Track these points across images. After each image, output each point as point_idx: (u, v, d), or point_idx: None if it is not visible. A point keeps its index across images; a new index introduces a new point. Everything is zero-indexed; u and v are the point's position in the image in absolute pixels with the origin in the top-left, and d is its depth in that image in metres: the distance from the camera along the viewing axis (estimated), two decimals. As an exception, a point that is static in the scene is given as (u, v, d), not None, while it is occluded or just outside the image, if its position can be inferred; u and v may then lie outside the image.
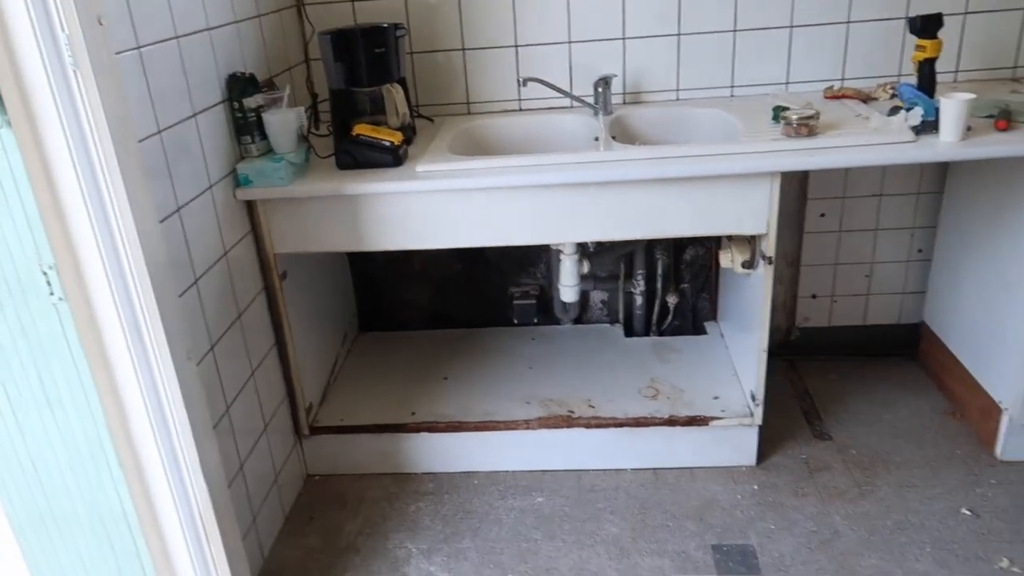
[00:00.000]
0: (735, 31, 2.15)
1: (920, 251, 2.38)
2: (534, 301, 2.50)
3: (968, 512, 1.86)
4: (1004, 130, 1.70)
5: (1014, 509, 1.85)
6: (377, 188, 1.77)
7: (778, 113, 1.86)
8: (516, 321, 2.54)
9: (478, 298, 2.55)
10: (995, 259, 1.99)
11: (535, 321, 2.54)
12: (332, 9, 2.19)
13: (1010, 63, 2.13)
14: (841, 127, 1.81)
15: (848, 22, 2.12)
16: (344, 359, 2.42)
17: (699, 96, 2.23)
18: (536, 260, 2.49)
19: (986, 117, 1.78)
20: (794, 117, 1.76)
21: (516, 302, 2.51)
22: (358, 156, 1.83)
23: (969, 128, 1.70)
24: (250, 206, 1.84)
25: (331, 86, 1.90)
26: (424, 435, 2.09)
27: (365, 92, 1.92)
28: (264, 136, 1.82)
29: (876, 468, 2.02)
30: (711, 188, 1.75)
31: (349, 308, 2.52)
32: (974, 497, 1.90)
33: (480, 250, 2.46)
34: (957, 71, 2.15)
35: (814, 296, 2.46)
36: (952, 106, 1.64)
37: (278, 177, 1.76)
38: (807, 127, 1.75)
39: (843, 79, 2.18)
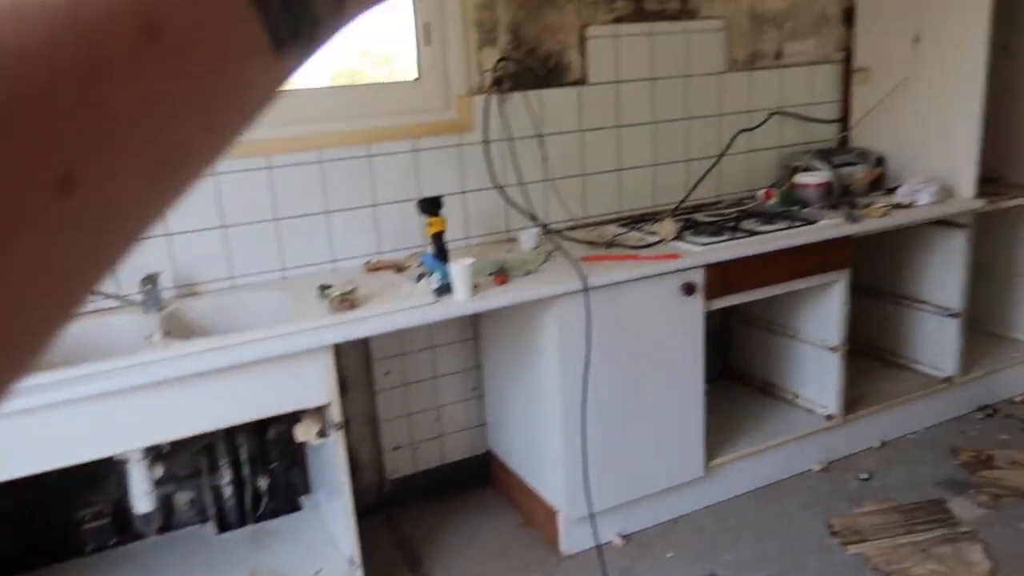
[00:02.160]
0: (276, 220, 2.33)
1: (474, 389, 2.74)
2: (109, 519, 2.25)
3: (551, 609, 2.11)
4: (502, 284, 2.11)
5: (584, 594, 2.16)
6: None
7: (323, 291, 2.04)
8: (90, 548, 2.25)
9: (38, 531, 2.21)
10: (520, 385, 2.39)
11: (113, 543, 2.27)
12: None
13: (504, 228, 2.66)
14: (379, 296, 2.05)
15: (375, 205, 2.45)
16: None
17: (254, 281, 2.33)
18: (104, 472, 2.26)
19: (489, 274, 2.18)
20: (336, 294, 1.95)
21: (86, 526, 2.23)
22: None
23: (477, 285, 2.06)
24: None
25: None
26: None
27: None
28: None
29: (475, 594, 2.20)
30: (271, 369, 1.82)
31: None
32: (554, 594, 2.18)
33: (33, 475, 2.16)
34: (468, 237, 2.61)
35: (397, 448, 2.65)
36: (458, 270, 1.99)
37: None
38: (348, 301, 1.95)
39: (380, 252, 2.49)
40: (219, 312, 2.20)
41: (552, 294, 2.10)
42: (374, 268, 2.36)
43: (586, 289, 2.11)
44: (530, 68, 2.56)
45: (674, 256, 2.28)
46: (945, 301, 2.90)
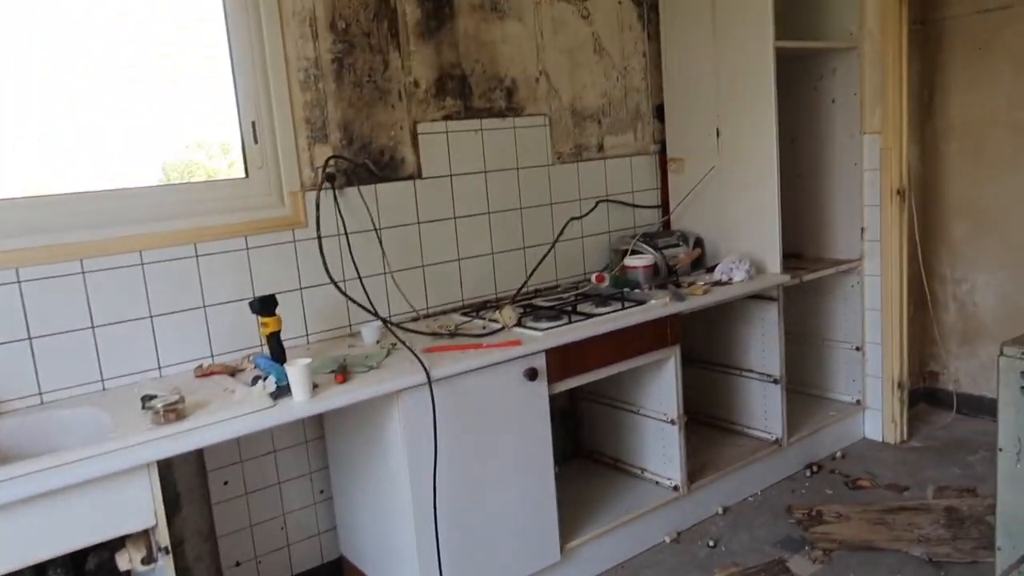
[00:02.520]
0: (93, 327, 2.16)
1: (322, 492, 2.61)
2: None
3: None
4: (343, 382, 2.05)
5: None
6: None
7: (146, 402, 1.90)
8: None
9: None
10: (370, 484, 2.31)
11: None
12: None
13: (346, 322, 2.61)
14: (210, 404, 1.93)
15: (204, 307, 2.34)
16: None
17: (68, 395, 2.13)
18: None
19: (330, 372, 2.11)
20: (160, 405, 1.82)
21: None
22: None
23: (316, 385, 2.00)
24: None
25: None
26: None
27: None
28: None
29: None
30: (85, 494, 1.65)
31: None
32: None
33: None
34: (307, 334, 2.53)
35: (238, 564, 2.46)
36: (295, 371, 1.92)
37: None
38: (175, 412, 1.82)
39: (213, 356, 2.36)
40: (25, 434, 1.98)
41: (395, 389, 2.06)
42: (205, 373, 2.23)
43: (430, 381, 2.09)
44: (364, 164, 2.58)
45: (516, 343, 2.32)
46: (767, 368, 3.12)
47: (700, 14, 3.11)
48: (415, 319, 2.70)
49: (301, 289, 2.51)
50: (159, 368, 2.28)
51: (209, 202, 2.37)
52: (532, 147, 3.00)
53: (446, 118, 2.77)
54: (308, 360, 1.96)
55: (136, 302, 2.22)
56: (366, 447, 2.30)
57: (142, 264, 2.23)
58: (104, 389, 2.19)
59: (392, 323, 2.55)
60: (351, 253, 2.54)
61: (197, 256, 2.31)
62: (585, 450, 3.21)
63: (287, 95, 2.43)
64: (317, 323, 2.55)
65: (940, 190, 3.66)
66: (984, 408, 3.61)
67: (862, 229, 3.37)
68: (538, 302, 2.81)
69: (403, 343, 2.29)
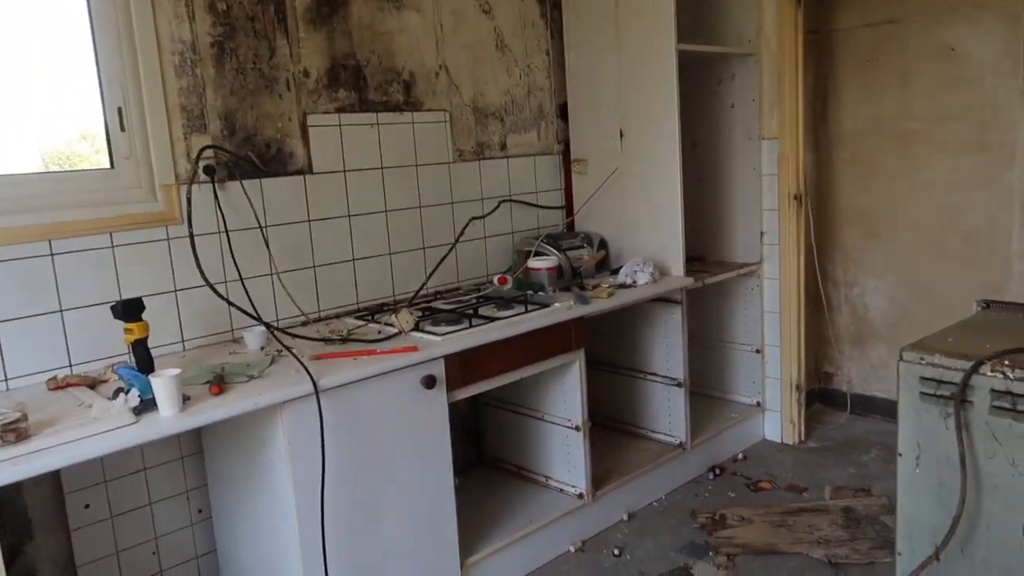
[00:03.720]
0: (-76, 336, 1.89)
1: (200, 511, 2.39)
2: None
3: None
4: (218, 394, 1.86)
5: None
6: None
7: (-18, 421, 1.66)
8: None
9: None
10: (252, 502, 2.12)
11: None
12: None
13: (228, 327, 2.40)
14: (61, 421, 1.71)
15: (61, 311, 2.09)
16: None
17: None
18: None
19: (204, 383, 1.92)
20: (-4, 424, 1.59)
21: None
22: None
23: (188, 398, 1.80)
24: None
25: None
26: None
27: None
28: None
29: None
30: (-101, 530, 1.41)
31: None
32: None
33: None
34: (184, 340, 2.31)
35: (102, 597, 2.21)
36: (162, 383, 1.72)
37: None
38: (15, 432, 1.60)
39: (71, 365, 2.11)
40: None
41: (278, 400, 1.89)
42: (60, 386, 1.98)
43: (317, 392, 1.93)
44: (247, 156, 2.39)
45: (412, 349, 2.18)
46: (671, 372, 3.10)
47: (603, 14, 3.06)
48: (304, 324, 2.52)
49: (176, 291, 2.29)
50: (5, 380, 2.02)
51: (67, 195, 2.12)
52: (432, 143, 2.87)
53: (339, 110, 2.60)
54: (177, 370, 1.76)
55: (-22, 306, 1.96)
56: (248, 463, 2.12)
57: (-16, 263, 1.97)
58: (-62, 406, 1.91)
59: (279, 328, 2.36)
60: (232, 252, 2.34)
61: (52, 254, 2.06)
62: (488, 458, 3.10)
63: (159, 80, 2.21)
64: (195, 329, 2.33)
65: (833, 196, 3.75)
66: (875, 408, 3.72)
67: (761, 233, 3.41)
68: (437, 305, 2.68)
69: (288, 350, 2.12)
